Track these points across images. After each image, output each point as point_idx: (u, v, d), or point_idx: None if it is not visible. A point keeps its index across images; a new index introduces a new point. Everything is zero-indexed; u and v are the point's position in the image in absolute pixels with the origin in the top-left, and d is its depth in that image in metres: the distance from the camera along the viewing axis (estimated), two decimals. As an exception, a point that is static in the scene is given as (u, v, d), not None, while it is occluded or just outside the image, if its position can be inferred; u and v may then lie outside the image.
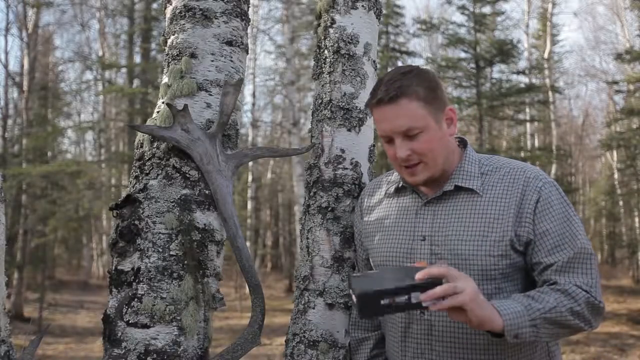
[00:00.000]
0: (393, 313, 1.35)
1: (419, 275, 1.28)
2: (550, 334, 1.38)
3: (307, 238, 1.79)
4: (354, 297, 1.34)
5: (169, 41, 1.65)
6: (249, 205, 17.24)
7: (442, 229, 1.49)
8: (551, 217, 1.43)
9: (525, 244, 1.43)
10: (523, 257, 1.45)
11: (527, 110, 15.26)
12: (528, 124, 16.18)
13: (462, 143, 1.60)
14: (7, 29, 14.05)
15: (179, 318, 1.41)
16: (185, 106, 1.52)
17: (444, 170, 1.52)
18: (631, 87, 14.02)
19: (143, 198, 1.49)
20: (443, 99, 1.51)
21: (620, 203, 17.88)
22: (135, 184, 1.53)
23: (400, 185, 1.61)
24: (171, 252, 1.44)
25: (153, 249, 1.44)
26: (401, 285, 1.30)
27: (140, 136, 1.60)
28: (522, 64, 15.34)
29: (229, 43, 1.63)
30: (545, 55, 17.35)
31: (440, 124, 1.49)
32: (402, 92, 1.45)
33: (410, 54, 13.95)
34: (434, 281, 1.28)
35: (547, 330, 1.37)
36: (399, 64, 13.64)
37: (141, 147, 1.58)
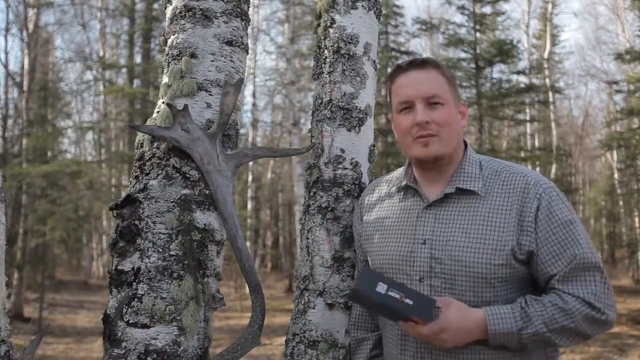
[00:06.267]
0: (377, 305, 1.39)
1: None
2: (539, 345, 1.43)
3: (307, 238, 1.79)
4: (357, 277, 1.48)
5: (169, 41, 1.65)
6: (249, 205, 17.23)
7: (443, 234, 1.48)
8: (552, 225, 1.42)
9: (528, 253, 1.42)
10: (525, 266, 1.44)
11: (527, 110, 15.27)
12: (528, 124, 16.18)
13: (463, 144, 1.60)
14: (7, 29, 14.04)
15: (179, 318, 1.41)
16: (185, 106, 1.52)
17: (451, 158, 1.54)
18: (631, 87, 14.00)
19: (143, 198, 1.49)
20: (458, 92, 1.61)
21: (620, 203, 17.88)
22: (135, 184, 1.53)
23: (403, 184, 1.61)
24: (171, 252, 1.44)
25: (153, 249, 1.44)
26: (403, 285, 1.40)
27: (140, 136, 1.60)
28: (522, 64, 15.36)
29: (229, 43, 1.63)
30: (546, 56, 17.36)
31: (457, 109, 1.57)
32: (432, 62, 1.58)
33: (410, 54, 13.92)
34: (431, 303, 1.38)
35: (535, 344, 1.41)
36: (399, 64, 13.56)
37: (141, 147, 1.58)
